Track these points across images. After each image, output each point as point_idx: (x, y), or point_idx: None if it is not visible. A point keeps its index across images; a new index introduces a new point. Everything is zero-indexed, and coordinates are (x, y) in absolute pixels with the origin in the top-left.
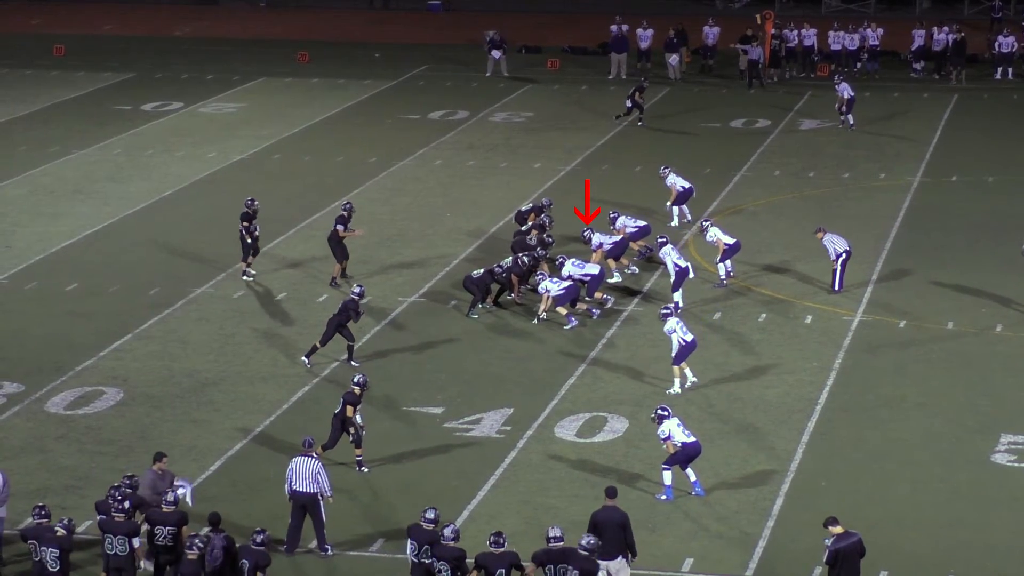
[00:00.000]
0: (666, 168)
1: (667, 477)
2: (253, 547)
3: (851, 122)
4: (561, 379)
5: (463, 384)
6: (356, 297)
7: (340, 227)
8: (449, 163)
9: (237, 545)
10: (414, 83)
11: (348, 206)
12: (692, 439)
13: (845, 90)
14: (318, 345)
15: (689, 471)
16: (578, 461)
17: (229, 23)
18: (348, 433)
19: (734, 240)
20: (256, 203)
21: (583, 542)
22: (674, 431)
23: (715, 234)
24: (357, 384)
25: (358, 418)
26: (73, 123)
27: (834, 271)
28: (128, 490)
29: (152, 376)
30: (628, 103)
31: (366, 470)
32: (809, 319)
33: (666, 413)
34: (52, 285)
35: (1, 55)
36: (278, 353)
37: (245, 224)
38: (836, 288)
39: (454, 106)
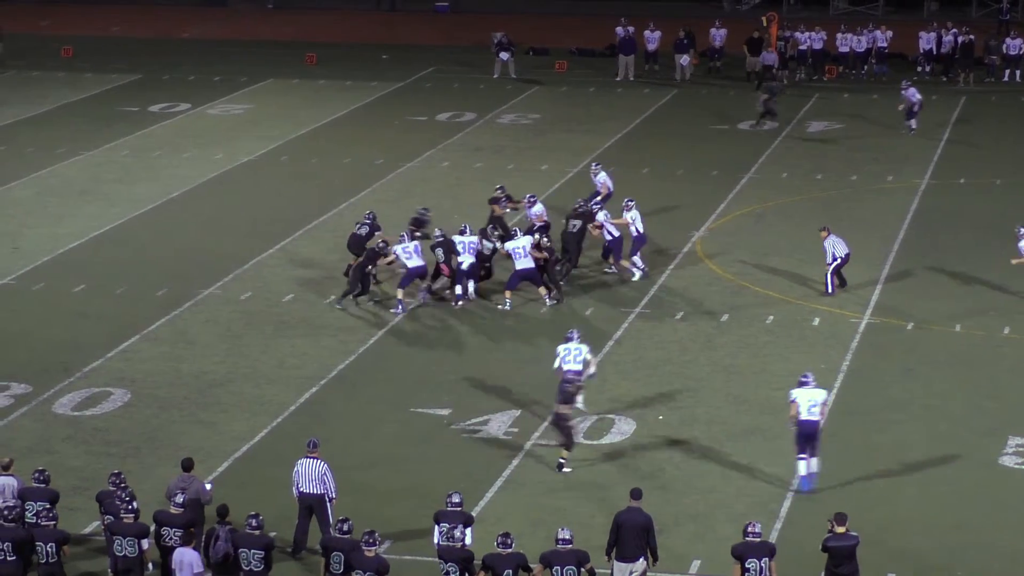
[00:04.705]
0: (597, 165)
1: (801, 467)
2: (339, 536)
3: (914, 127)
4: None
5: (470, 385)
6: (384, 244)
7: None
8: (456, 165)
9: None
10: (421, 85)
11: (371, 216)
12: (808, 418)
13: (913, 94)
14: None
15: (801, 464)
16: (585, 462)
17: (236, 24)
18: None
19: (642, 232)
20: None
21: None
22: (801, 400)
23: (635, 216)
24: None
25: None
26: (80, 124)
27: (826, 274)
28: (124, 490)
29: (159, 377)
30: (761, 108)
31: (568, 471)
32: (816, 321)
33: (806, 380)
34: (59, 286)
35: (9, 56)
36: (285, 355)
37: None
38: (829, 291)
39: (461, 108)
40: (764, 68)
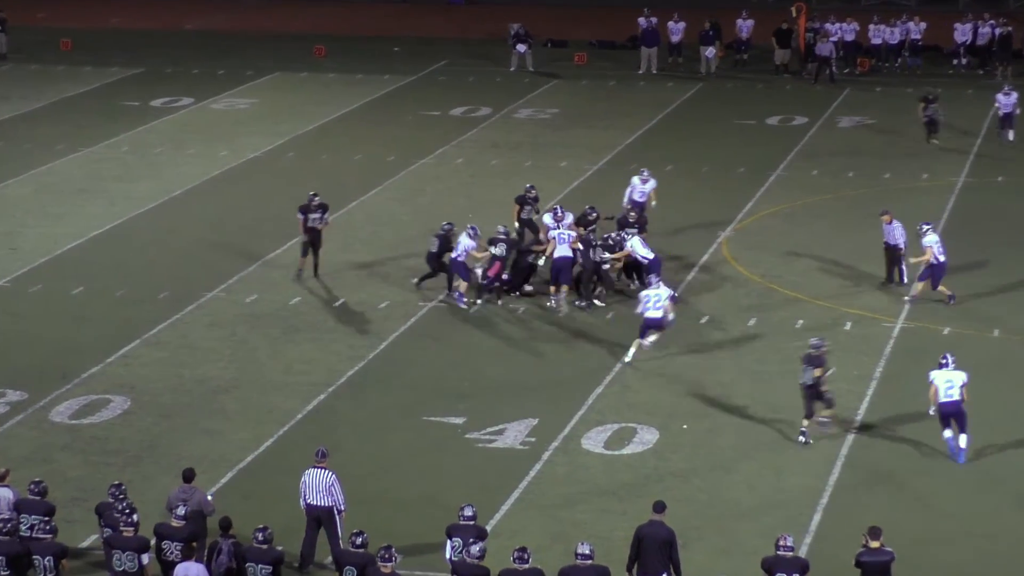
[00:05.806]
0: (648, 172)
1: (951, 439)
2: (353, 549)
3: (1010, 137)
4: (588, 388)
5: (486, 393)
6: (449, 227)
7: (301, 216)
8: (471, 162)
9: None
10: (435, 78)
11: (314, 197)
12: (947, 399)
13: (1008, 102)
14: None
15: (954, 437)
16: (606, 474)
17: (242, 16)
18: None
19: (653, 255)
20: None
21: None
22: (938, 382)
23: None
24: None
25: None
26: (80, 120)
27: (898, 263)
28: (124, 502)
29: (161, 384)
30: (924, 119)
31: (809, 441)
32: (849, 325)
33: (944, 361)
34: (57, 288)
35: (9, 49)
36: (292, 360)
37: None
38: (903, 280)
39: (477, 102)
40: (821, 60)
